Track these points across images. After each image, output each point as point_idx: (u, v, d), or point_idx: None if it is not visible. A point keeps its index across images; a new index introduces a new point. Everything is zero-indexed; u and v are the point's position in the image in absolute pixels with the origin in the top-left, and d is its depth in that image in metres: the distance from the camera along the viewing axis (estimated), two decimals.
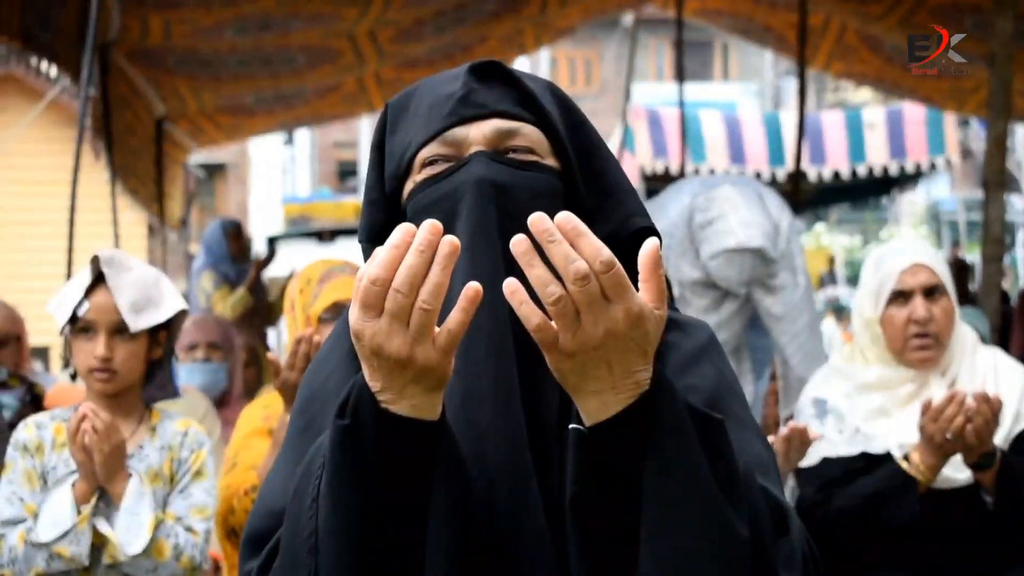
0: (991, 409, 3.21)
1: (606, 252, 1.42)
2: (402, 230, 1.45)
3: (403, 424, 1.50)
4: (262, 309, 8.22)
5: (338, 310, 3.37)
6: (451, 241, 1.43)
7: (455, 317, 1.45)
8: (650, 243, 1.48)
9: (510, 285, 1.43)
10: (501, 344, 1.65)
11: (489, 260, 1.64)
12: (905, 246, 3.67)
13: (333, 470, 1.52)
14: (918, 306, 3.46)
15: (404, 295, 1.43)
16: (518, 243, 1.42)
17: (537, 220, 1.42)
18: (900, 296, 3.49)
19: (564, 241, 1.42)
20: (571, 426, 1.54)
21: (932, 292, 3.48)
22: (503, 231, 1.65)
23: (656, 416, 1.49)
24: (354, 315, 1.46)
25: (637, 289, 1.47)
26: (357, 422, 1.50)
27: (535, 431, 1.64)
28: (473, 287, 1.44)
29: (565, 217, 1.43)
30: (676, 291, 4.99)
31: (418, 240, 1.43)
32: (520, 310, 1.44)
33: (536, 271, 1.42)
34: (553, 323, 1.45)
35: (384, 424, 1.49)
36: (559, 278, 1.42)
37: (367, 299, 1.45)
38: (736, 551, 1.48)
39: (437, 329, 1.46)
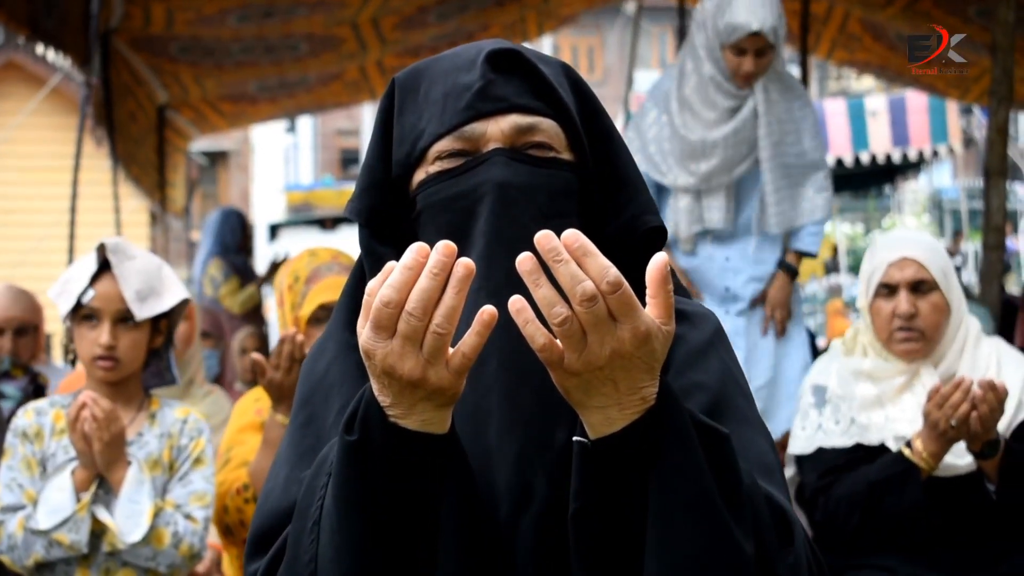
0: (996, 397, 3.20)
1: (613, 272, 1.40)
2: (415, 250, 1.42)
3: (413, 438, 1.48)
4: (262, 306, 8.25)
5: (326, 312, 3.36)
6: (465, 264, 1.41)
7: (469, 341, 1.43)
8: (658, 258, 1.45)
9: (515, 303, 1.41)
10: (512, 360, 1.64)
11: (504, 270, 1.59)
12: (899, 237, 3.65)
13: (341, 486, 1.51)
14: (902, 301, 3.46)
15: (418, 319, 1.41)
16: (524, 261, 1.40)
17: (544, 239, 1.40)
18: (886, 288, 3.49)
19: (571, 261, 1.39)
20: (575, 438, 1.53)
21: (919, 287, 3.48)
22: (520, 235, 1.62)
23: (661, 431, 1.48)
24: (365, 335, 1.44)
25: (643, 303, 1.45)
26: (366, 437, 1.49)
27: (545, 447, 1.63)
28: (488, 311, 1.42)
29: (572, 236, 1.40)
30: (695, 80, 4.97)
31: (432, 262, 1.40)
32: (525, 329, 1.42)
33: (542, 291, 1.40)
34: (559, 342, 1.43)
35: (393, 438, 1.48)
36: (565, 297, 1.41)
37: (379, 321, 1.42)
38: (740, 567, 1.48)
39: (451, 350, 1.44)
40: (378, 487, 1.49)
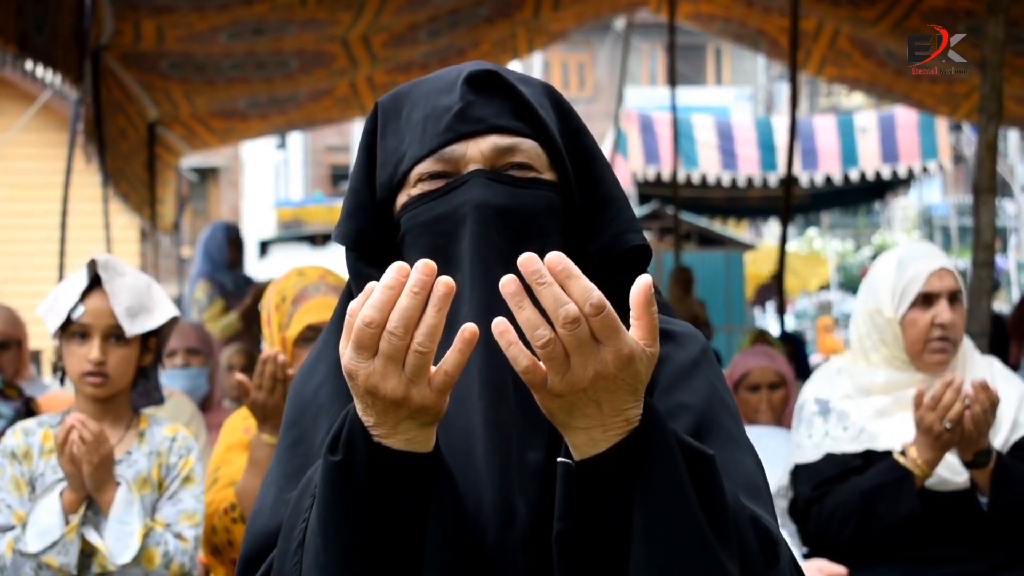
0: (988, 398, 3.21)
1: (596, 294, 1.40)
2: (395, 270, 1.42)
3: (397, 458, 1.48)
4: (255, 330, 8.14)
5: (313, 333, 3.34)
6: (445, 282, 1.41)
7: (451, 359, 1.43)
8: (642, 280, 1.45)
9: (499, 325, 1.41)
10: (494, 379, 1.64)
11: (486, 291, 1.61)
12: (928, 249, 3.65)
13: (325, 506, 1.51)
14: (944, 310, 3.46)
15: (399, 338, 1.41)
16: (507, 284, 1.40)
17: (527, 261, 1.39)
18: (925, 299, 3.49)
19: (554, 283, 1.39)
20: (560, 459, 1.52)
21: (954, 298, 3.49)
22: (501, 256, 1.63)
23: (646, 453, 1.48)
24: (347, 356, 1.44)
25: (627, 323, 1.45)
26: (350, 457, 1.48)
27: (528, 468, 1.63)
28: (470, 328, 1.42)
29: (556, 258, 1.40)
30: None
31: (412, 281, 1.40)
32: (509, 351, 1.42)
33: (525, 313, 1.40)
34: (542, 364, 1.43)
35: (378, 458, 1.48)
36: (549, 320, 1.40)
37: (361, 341, 1.42)
38: None
39: (433, 369, 1.44)
40: (363, 507, 1.49)
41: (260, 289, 8.05)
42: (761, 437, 4.38)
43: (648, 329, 1.45)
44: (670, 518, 1.47)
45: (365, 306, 1.42)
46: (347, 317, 1.44)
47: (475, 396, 1.64)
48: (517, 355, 1.42)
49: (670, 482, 1.47)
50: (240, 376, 3.30)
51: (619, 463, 1.47)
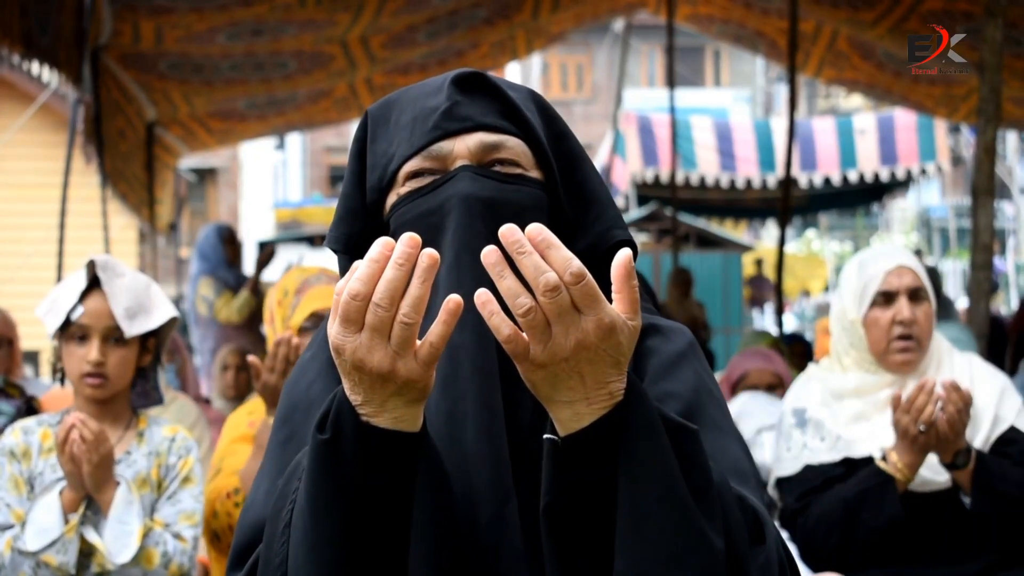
0: (961, 398, 3.20)
1: (576, 263, 1.42)
2: (381, 244, 1.44)
3: (385, 437, 1.49)
4: (261, 310, 8.16)
5: (317, 320, 3.38)
6: (430, 254, 1.43)
7: (436, 330, 1.45)
8: (623, 254, 1.47)
9: (481, 295, 1.43)
10: (485, 362, 1.66)
11: (473, 277, 1.62)
12: (888, 249, 3.66)
13: (313, 485, 1.52)
14: (903, 307, 3.45)
15: (385, 309, 1.43)
16: (488, 254, 1.42)
17: (507, 232, 1.42)
18: (884, 297, 3.49)
19: (534, 252, 1.42)
20: (545, 436, 1.54)
21: (916, 295, 3.48)
22: (486, 246, 1.65)
23: (629, 427, 1.49)
24: (334, 330, 1.46)
25: (611, 301, 1.47)
26: (338, 436, 1.50)
27: (514, 445, 1.65)
28: (454, 299, 1.43)
29: (536, 229, 1.43)
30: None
31: (397, 253, 1.43)
32: (491, 321, 1.43)
33: (506, 282, 1.42)
34: (524, 334, 1.45)
35: (365, 437, 1.49)
36: (530, 289, 1.42)
37: (347, 314, 1.44)
38: (710, 561, 1.48)
39: (418, 342, 1.46)
40: (350, 485, 1.50)
41: (264, 258, 8.08)
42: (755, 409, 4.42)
43: (629, 302, 1.47)
44: (654, 491, 1.48)
45: (352, 280, 1.44)
46: (334, 296, 1.47)
47: (466, 380, 1.65)
48: (499, 324, 1.44)
49: (654, 455, 1.48)
50: (252, 358, 3.32)
51: (604, 437, 1.49)
